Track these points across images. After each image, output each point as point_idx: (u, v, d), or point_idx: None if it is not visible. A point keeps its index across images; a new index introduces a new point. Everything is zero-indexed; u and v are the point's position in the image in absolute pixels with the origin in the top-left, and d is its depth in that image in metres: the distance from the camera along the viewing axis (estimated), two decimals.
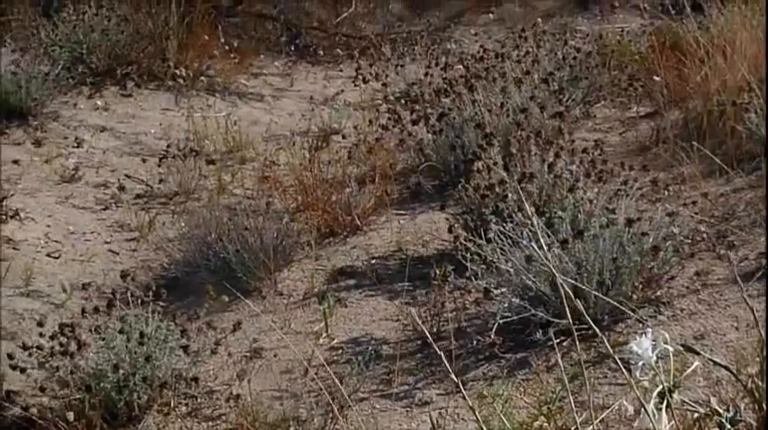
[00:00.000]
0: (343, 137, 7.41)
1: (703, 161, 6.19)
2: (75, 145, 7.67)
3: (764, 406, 3.63)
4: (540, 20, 9.02)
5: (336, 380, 4.64)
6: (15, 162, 7.41)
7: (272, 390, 5.11)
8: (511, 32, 9.23)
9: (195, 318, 5.45)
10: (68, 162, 7.48)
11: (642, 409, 3.30)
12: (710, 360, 3.84)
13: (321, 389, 4.84)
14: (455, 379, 3.35)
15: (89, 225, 6.85)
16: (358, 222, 6.54)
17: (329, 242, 6.42)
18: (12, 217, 6.79)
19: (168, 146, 7.55)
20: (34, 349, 4.96)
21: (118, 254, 6.56)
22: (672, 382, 3.30)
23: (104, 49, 8.63)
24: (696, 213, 5.64)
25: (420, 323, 5.46)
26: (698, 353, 3.57)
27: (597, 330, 4.06)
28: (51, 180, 7.32)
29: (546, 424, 3.97)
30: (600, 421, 3.76)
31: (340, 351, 5.38)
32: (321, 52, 9.63)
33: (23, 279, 6.24)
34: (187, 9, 9.00)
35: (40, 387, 4.92)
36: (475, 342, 5.02)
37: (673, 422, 3.27)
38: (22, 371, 4.97)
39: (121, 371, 4.84)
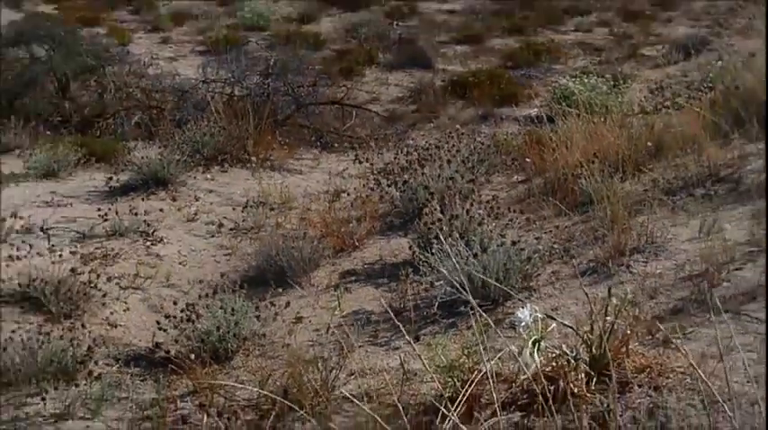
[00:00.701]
0: (347, 194, 7.43)
1: (555, 208, 6.25)
2: (195, 199, 7.69)
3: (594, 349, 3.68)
4: (459, 127, 9.07)
5: (345, 335, 4.67)
6: (161, 210, 7.43)
7: (308, 341, 5.12)
8: (444, 134, 9.25)
9: (263, 300, 5.46)
10: (190, 210, 7.53)
11: (523, 352, 3.37)
12: (562, 323, 3.89)
13: (337, 340, 4.83)
14: (409, 337, 3.40)
15: (202, 246, 6.91)
16: (357, 244, 6.60)
17: (340, 255, 6.50)
18: (159, 241, 6.83)
19: (247, 201, 7.58)
20: (172, 317, 4.99)
21: (219, 263, 6.61)
22: (540, 336, 3.38)
23: (211, 145, 8.65)
24: (552, 238, 5.68)
25: (388, 304, 5.49)
26: (554, 319, 3.66)
27: (495, 306, 4.16)
28: (181, 220, 7.34)
29: (466, 360, 3.98)
30: (498, 358, 3.76)
31: (347, 318, 5.39)
32: (335, 146, 9.73)
33: (165, 278, 6.26)
34: (258, 121, 9.02)
35: (174, 339, 4.93)
36: (425, 313, 5.06)
37: (540, 358, 3.35)
38: (165, 330, 4.99)
39: (221, 331, 4.88)
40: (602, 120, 7.51)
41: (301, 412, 3.89)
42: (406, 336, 3.65)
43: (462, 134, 8.95)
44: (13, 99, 10.01)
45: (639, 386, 3.72)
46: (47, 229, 6.89)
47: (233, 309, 5.13)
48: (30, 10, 18.14)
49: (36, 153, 8.60)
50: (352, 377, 4.46)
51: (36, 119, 9.60)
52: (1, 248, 6.37)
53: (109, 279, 6.00)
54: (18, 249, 6.28)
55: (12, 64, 10.91)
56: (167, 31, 17.97)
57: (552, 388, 3.63)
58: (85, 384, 4.70)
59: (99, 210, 7.34)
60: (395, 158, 7.87)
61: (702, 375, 3.04)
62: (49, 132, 9.38)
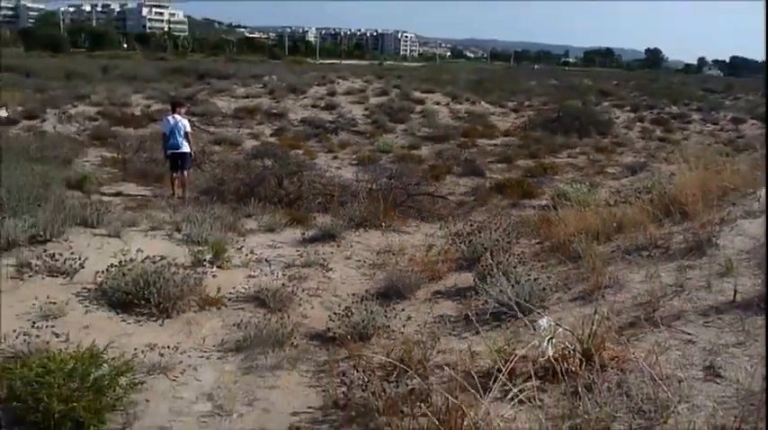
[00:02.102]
0: (436, 247, 7.37)
1: (558, 259, 6.06)
2: (350, 247, 7.76)
3: (584, 345, 3.54)
4: (499, 210, 9.06)
5: (435, 329, 4.58)
6: (331, 252, 7.45)
7: (414, 331, 5.10)
8: (491, 215, 9.17)
9: (388, 306, 5.43)
10: (348, 252, 7.54)
11: (542, 344, 3.24)
12: (564, 328, 3.76)
13: (430, 331, 4.78)
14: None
15: (354, 274, 6.90)
16: (441, 276, 6.44)
17: (432, 282, 6.24)
18: (329, 270, 6.81)
19: (379, 249, 7.59)
20: (337, 313, 4.97)
21: (363, 283, 6.38)
22: (552, 335, 3.23)
23: (359, 216, 8.74)
24: (557, 277, 5.50)
25: (460, 311, 5.40)
26: (560, 326, 3.51)
27: (523, 316, 3.93)
28: (342, 258, 7.33)
29: (507, 347, 3.88)
30: (527, 346, 3.65)
31: (436, 319, 5.36)
32: (429, 219, 9.73)
33: (333, 291, 6.26)
34: (385, 203, 9.10)
35: (338, 326, 4.96)
36: (481, 318, 4.85)
37: (553, 350, 3.21)
38: (333, 321, 5.01)
39: (364, 322, 4.98)
40: (585, 208, 7.35)
41: (411, 372, 3.84)
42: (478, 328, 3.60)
43: (502, 215, 8.88)
44: (252, 188, 10.27)
45: (612, 368, 3.61)
46: (268, 261, 7.01)
47: (371, 310, 5.08)
48: (263, 140, 18.74)
49: (264, 218, 8.79)
50: (440, 353, 4.39)
51: (264, 199, 9.82)
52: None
53: (302, 290, 6.03)
54: (254, 272, 6.42)
55: (253, 169, 11.25)
56: (336, 152, 18.31)
57: (559, 367, 3.53)
58: (289, 349, 4.74)
59: (297, 251, 7.45)
60: (463, 227, 7.78)
61: (645, 365, 3.00)
62: (271, 207, 9.59)
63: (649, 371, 3.32)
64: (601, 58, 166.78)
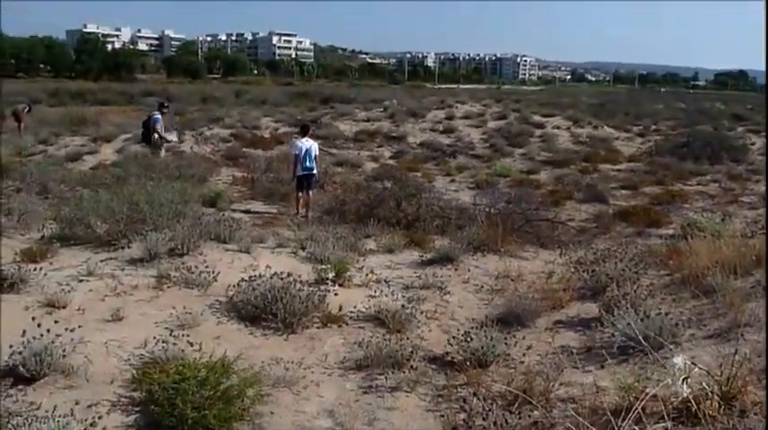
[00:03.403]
0: (557, 274, 7.08)
1: (691, 293, 5.71)
2: (468, 271, 7.63)
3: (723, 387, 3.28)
4: (624, 239, 8.68)
5: (557, 360, 4.41)
6: (449, 275, 7.33)
7: (534, 361, 4.96)
8: (614, 243, 8.75)
9: (508, 333, 5.28)
10: (465, 276, 7.43)
11: (676, 383, 3.04)
12: (701, 367, 3.52)
13: (552, 362, 4.60)
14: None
15: (472, 298, 6.75)
16: (563, 305, 6.15)
17: (553, 311, 5.95)
18: (447, 293, 6.73)
19: (498, 274, 7.42)
20: (455, 338, 4.90)
21: (481, 309, 6.23)
22: (687, 374, 3.03)
23: (477, 240, 8.56)
24: (689, 312, 5.14)
25: (584, 343, 5.17)
26: (696, 365, 3.28)
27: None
28: (460, 282, 7.18)
29: (637, 384, 3.69)
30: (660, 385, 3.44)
31: (557, 349, 5.17)
32: (548, 245, 9.37)
33: (451, 314, 6.20)
34: (503, 228, 8.94)
35: (456, 351, 4.90)
36: (607, 352, 4.66)
37: (688, 391, 3.00)
38: (451, 345, 4.97)
39: (483, 348, 4.85)
40: (718, 239, 6.86)
41: (533, 403, 3.72)
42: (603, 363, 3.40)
43: (627, 243, 8.47)
44: (372, 209, 10.44)
45: (755, 414, 3.32)
46: (387, 282, 7.07)
47: (491, 337, 4.93)
48: (383, 163, 19.09)
49: (383, 239, 8.89)
50: (562, 386, 4.22)
51: (383, 221, 9.93)
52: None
53: (420, 312, 5.99)
54: (374, 292, 6.49)
55: (373, 190, 11.45)
56: (453, 176, 18.29)
57: (695, 409, 3.30)
58: (408, 371, 4.74)
59: (415, 272, 7.45)
60: (584, 255, 7.47)
61: None
62: (390, 228, 9.67)
63: None
64: (733, 80, 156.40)
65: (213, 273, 6.32)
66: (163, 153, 14.75)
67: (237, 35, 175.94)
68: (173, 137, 15.11)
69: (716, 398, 3.37)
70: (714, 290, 5.36)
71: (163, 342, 4.70)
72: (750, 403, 3.41)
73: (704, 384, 3.44)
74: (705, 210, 11.91)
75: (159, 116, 14.40)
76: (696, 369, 3.54)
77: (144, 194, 8.26)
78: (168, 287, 6.20)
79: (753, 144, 25.98)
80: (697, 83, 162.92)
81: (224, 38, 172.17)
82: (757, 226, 8.68)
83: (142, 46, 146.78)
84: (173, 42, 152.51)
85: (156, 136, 14.26)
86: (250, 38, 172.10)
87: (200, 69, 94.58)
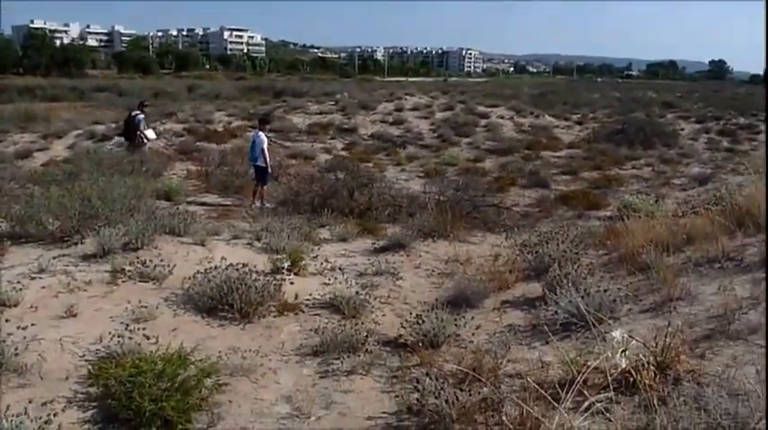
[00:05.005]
0: (503, 256, 7.17)
1: (627, 270, 5.87)
2: (419, 256, 7.66)
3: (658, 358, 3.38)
4: (565, 221, 8.97)
5: (505, 338, 4.48)
6: (401, 261, 7.41)
7: (483, 340, 4.98)
8: (556, 225, 8.92)
9: (457, 315, 5.29)
10: (417, 262, 7.47)
11: (615, 356, 3.11)
12: (637, 340, 3.62)
13: (500, 340, 4.71)
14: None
15: (423, 282, 6.79)
16: (509, 286, 6.24)
17: (500, 292, 6.01)
18: (400, 279, 6.75)
19: (447, 258, 7.51)
20: (408, 321, 4.91)
21: (432, 292, 6.30)
22: (625, 347, 3.10)
23: (427, 227, 8.60)
24: (626, 288, 5.28)
25: (529, 321, 5.26)
26: (633, 338, 3.37)
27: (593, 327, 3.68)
28: (411, 268, 7.24)
29: (579, 358, 3.77)
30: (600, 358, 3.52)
31: (505, 328, 5.23)
32: (495, 229, 9.47)
33: (404, 299, 6.20)
34: (452, 214, 8.99)
35: (409, 334, 4.90)
36: (551, 329, 4.74)
37: (626, 362, 3.08)
38: (404, 328, 4.97)
39: (435, 330, 4.87)
40: (652, 219, 7.07)
41: (482, 380, 3.76)
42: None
43: (568, 226, 8.64)
44: (325, 200, 10.39)
45: (687, 382, 3.44)
46: (342, 269, 7.03)
47: (442, 319, 4.96)
48: (335, 154, 18.98)
49: (337, 228, 8.85)
50: (510, 362, 4.28)
51: (337, 210, 9.90)
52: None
53: (374, 298, 5.99)
54: (328, 280, 6.46)
55: (326, 181, 11.37)
56: (404, 165, 18.34)
57: (632, 379, 3.40)
58: (363, 355, 4.73)
59: (368, 260, 7.43)
60: (529, 237, 7.59)
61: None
62: (343, 217, 9.64)
63: (727, 386, 3.15)
64: (664, 70, 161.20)
65: (168, 266, 6.16)
66: (146, 150, 14.67)
67: (188, 30, 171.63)
68: (152, 134, 15.01)
69: (652, 368, 3.47)
70: (649, 266, 5.50)
71: (118, 336, 4.54)
72: (683, 371, 3.53)
73: (641, 355, 3.53)
74: (640, 192, 12.28)
75: (142, 116, 14.41)
76: (633, 341, 3.64)
77: (96, 190, 7.98)
78: (123, 282, 6.01)
79: (682, 129, 26.90)
80: (631, 73, 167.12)
81: (175, 33, 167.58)
82: (688, 206, 8.97)
83: (92, 42, 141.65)
84: (123, 38, 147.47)
85: (140, 134, 14.29)
86: (201, 33, 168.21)
87: (152, 64, 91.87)
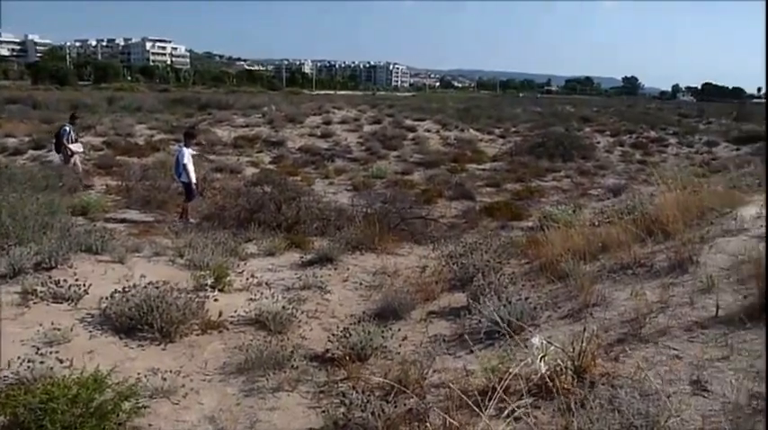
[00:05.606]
0: (430, 268, 7.25)
1: (547, 279, 6.03)
2: (347, 269, 7.65)
3: (576, 362, 3.49)
4: (490, 232, 9.13)
5: (431, 348, 4.51)
6: (329, 275, 7.41)
7: (410, 351, 5.02)
8: (481, 236, 9.14)
9: (385, 327, 5.35)
10: (345, 275, 7.46)
11: (535, 362, 3.18)
12: (556, 346, 3.72)
13: (426, 351, 4.73)
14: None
15: (351, 295, 6.83)
16: (435, 296, 6.34)
17: (426, 303, 6.11)
18: (328, 292, 6.75)
19: (375, 271, 7.51)
20: (336, 335, 4.89)
21: (360, 305, 6.37)
22: (544, 353, 3.18)
23: (356, 240, 8.65)
24: (546, 296, 5.45)
25: (454, 331, 5.32)
26: (552, 344, 3.47)
27: (515, 335, 3.80)
28: (340, 281, 7.26)
29: (501, 366, 3.84)
30: (521, 365, 3.60)
31: (431, 338, 5.28)
32: (422, 241, 9.57)
33: (332, 312, 6.21)
34: (380, 227, 9.01)
35: (336, 347, 4.86)
36: (475, 337, 4.84)
37: (546, 368, 3.17)
38: (332, 342, 4.89)
39: (362, 343, 4.91)
40: (570, 229, 7.33)
41: (408, 392, 3.78)
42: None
43: (492, 236, 8.85)
44: (252, 214, 10.20)
45: (603, 384, 3.57)
46: (269, 284, 6.93)
47: (369, 331, 4.99)
48: (263, 168, 18.70)
49: (264, 242, 8.72)
50: (436, 372, 4.33)
51: (264, 225, 9.74)
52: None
53: (301, 312, 5.94)
54: (254, 295, 6.34)
55: (253, 195, 11.15)
56: (332, 179, 18.27)
57: (552, 384, 3.49)
58: (289, 371, 4.65)
59: (296, 274, 7.37)
60: (454, 249, 7.71)
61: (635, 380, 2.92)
62: (271, 231, 9.51)
63: (639, 387, 3.29)
64: (581, 86, 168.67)
65: (84, 285, 5.90)
66: (75, 161, 14.26)
67: (109, 41, 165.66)
68: (77, 147, 14.48)
69: (569, 372, 3.59)
70: (567, 274, 5.72)
71: (29, 361, 4.31)
72: (599, 374, 3.66)
73: (559, 360, 3.65)
74: (559, 203, 12.74)
75: (68, 128, 14.20)
76: (552, 347, 3.75)
77: (6, 207, 7.56)
78: (35, 303, 5.70)
79: (598, 143, 28.12)
80: (550, 88, 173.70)
81: (94, 43, 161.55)
82: (603, 216, 9.35)
83: (3, 51, 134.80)
84: (38, 48, 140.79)
85: (66, 147, 14.00)
86: (122, 44, 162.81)
87: (69, 75, 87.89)
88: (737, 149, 26.16)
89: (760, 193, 6.77)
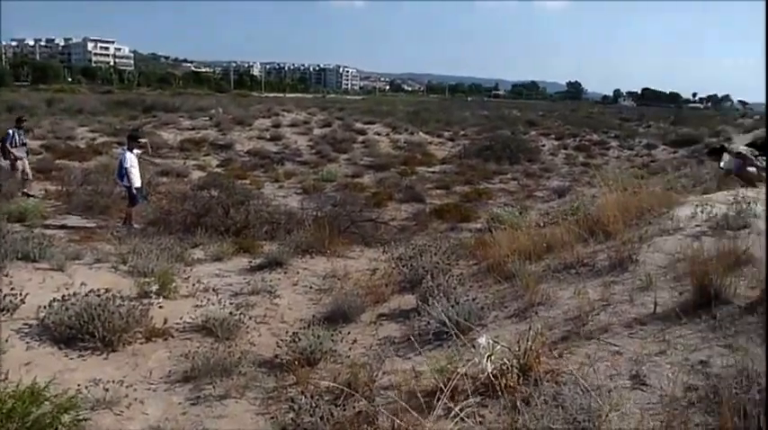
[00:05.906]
0: (379, 270, 7.27)
1: (494, 279, 6.11)
2: (297, 273, 7.61)
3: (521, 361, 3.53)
4: (439, 234, 9.17)
5: (380, 351, 4.51)
6: (279, 279, 7.31)
7: (360, 354, 5.02)
8: (431, 238, 9.22)
9: (335, 330, 5.34)
10: (295, 279, 7.41)
11: (482, 362, 3.23)
12: (502, 345, 3.78)
13: (376, 354, 4.73)
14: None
15: (301, 299, 6.76)
16: (385, 299, 6.34)
17: (376, 305, 6.11)
18: (277, 296, 6.68)
19: (325, 274, 7.49)
20: (284, 340, 4.83)
21: (310, 308, 6.32)
22: (491, 352, 3.23)
23: (306, 243, 8.58)
24: (493, 296, 5.53)
25: (403, 333, 5.34)
26: (498, 343, 3.52)
27: (463, 335, 3.81)
28: (289, 285, 7.19)
29: (449, 366, 3.88)
30: (468, 364, 3.64)
31: (381, 341, 5.28)
32: (372, 244, 9.56)
33: (281, 317, 6.15)
34: (330, 230, 8.97)
35: (285, 352, 4.79)
36: (425, 339, 4.87)
37: (492, 367, 3.20)
38: (280, 347, 4.82)
39: (311, 347, 4.89)
40: (517, 230, 7.46)
41: (357, 395, 3.77)
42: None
43: (441, 238, 8.93)
44: (199, 218, 10.01)
45: (547, 381, 3.65)
46: (216, 290, 6.81)
47: (318, 335, 4.97)
48: (210, 171, 18.38)
49: (211, 247, 8.57)
50: (385, 375, 4.33)
51: (212, 229, 9.58)
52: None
53: (250, 318, 5.86)
54: (201, 301, 6.22)
55: (200, 199, 10.94)
56: (282, 182, 18.13)
57: (497, 383, 3.55)
58: (237, 378, 4.59)
59: (245, 279, 7.27)
60: (405, 251, 7.75)
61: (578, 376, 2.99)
62: (219, 236, 9.36)
63: (582, 383, 3.37)
64: (527, 90, 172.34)
65: (20, 295, 5.67)
66: (24, 167, 13.67)
67: (48, 41, 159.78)
68: (20, 152, 13.84)
69: (515, 370, 3.65)
70: (513, 275, 5.82)
71: None
72: (543, 372, 3.74)
73: (505, 359, 3.71)
74: (506, 204, 12.97)
75: (10, 132, 13.69)
76: (498, 346, 3.82)
77: None
78: None
79: (543, 146, 28.82)
80: (498, 92, 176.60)
81: (32, 43, 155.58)
82: (548, 217, 9.57)
83: None
84: None
85: (9, 152, 13.49)
86: (62, 44, 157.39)
87: (5, 76, 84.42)
88: (675, 152, 27.26)
89: (694, 194, 7.06)
